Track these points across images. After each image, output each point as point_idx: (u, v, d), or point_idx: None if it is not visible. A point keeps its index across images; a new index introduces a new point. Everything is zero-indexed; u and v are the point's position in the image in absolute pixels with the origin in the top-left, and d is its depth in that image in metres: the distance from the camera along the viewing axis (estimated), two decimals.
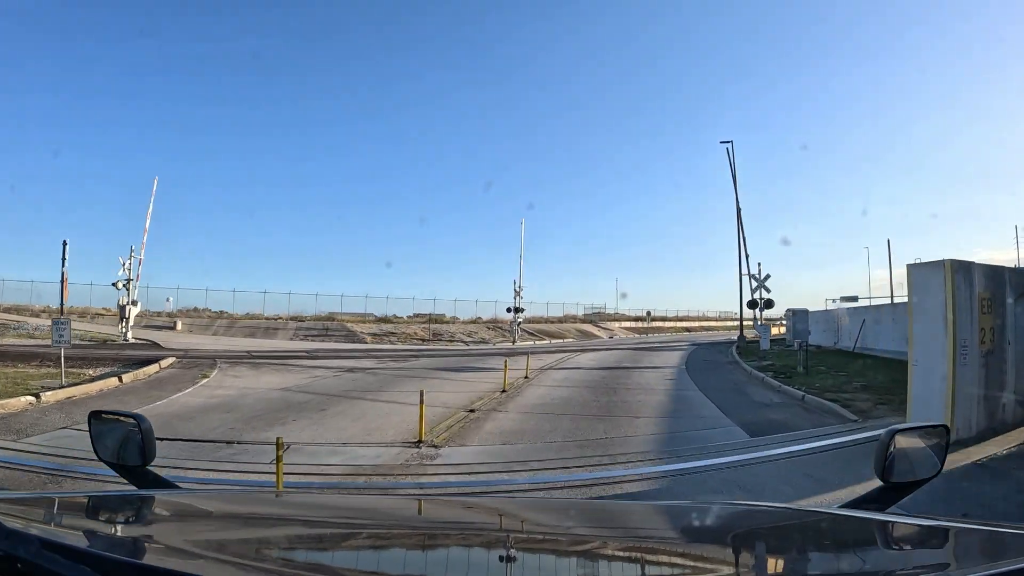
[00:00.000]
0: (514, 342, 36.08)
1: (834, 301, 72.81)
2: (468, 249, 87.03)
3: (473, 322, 45.96)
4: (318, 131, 77.93)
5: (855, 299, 74.62)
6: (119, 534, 1.24)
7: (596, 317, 56.73)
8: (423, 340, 36.94)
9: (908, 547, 1.22)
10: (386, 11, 78.03)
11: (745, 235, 21.88)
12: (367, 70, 77.22)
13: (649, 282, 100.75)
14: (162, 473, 1.80)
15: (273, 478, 5.06)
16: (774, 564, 1.17)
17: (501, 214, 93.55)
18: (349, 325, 41.40)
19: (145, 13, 65.37)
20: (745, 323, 30.26)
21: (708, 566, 1.17)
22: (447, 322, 45.32)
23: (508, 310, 37.21)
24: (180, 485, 1.85)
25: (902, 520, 1.33)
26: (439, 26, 78.66)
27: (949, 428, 1.62)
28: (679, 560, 1.20)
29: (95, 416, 1.72)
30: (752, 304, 22.05)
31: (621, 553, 1.24)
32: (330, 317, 45.70)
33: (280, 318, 44.17)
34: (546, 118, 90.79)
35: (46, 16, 58.57)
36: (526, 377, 14.62)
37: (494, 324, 44.24)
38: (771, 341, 29.18)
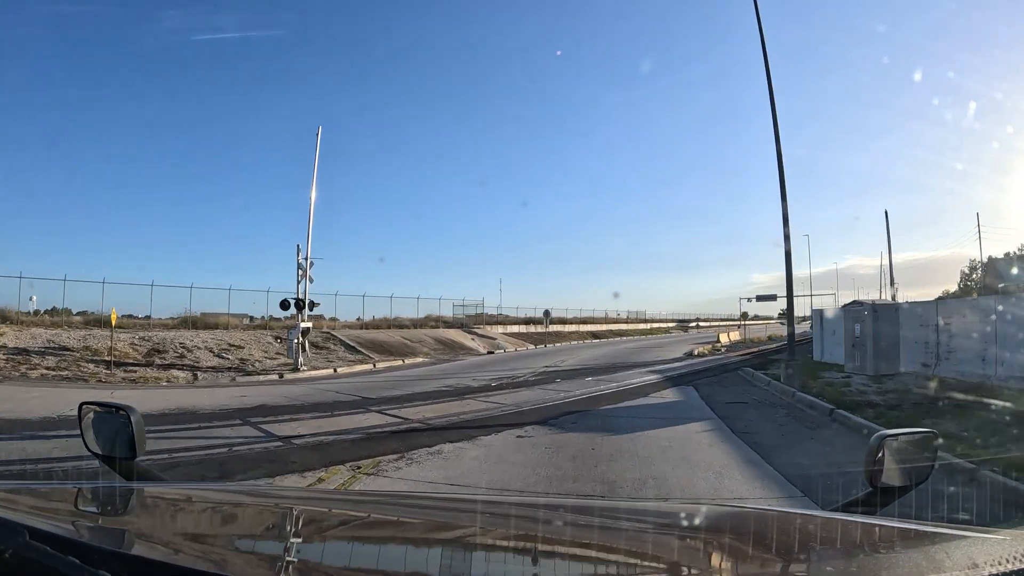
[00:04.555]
0: (297, 367, 18.35)
1: (750, 300, 63.75)
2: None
3: (259, 326, 27.16)
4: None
5: (773, 298, 65.93)
6: (107, 526, 1.24)
7: (471, 320, 39.65)
8: (110, 364, 18.02)
9: (896, 550, 1.18)
10: None
11: None
12: None
13: (545, 283, 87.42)
14: None
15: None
16: (762, 565, 1.13)
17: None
18: None
19: None
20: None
21: (695, 566, 1.15)
22: (214, 326, 26.28)
23: (284, 305, 19.20)
24: (169, 479, 1.93)
25: (890, 524, 1.30)
26: None
27: (937, 434, 1.57)
28: (665, 560, 1.17)
29: (85, 406, 1.70)
30: None
31: (606, 554, 1.19)
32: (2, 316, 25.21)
33: None
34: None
35: None
36: None
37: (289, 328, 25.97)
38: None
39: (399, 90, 73.38)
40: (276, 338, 24.46)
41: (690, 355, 25.85)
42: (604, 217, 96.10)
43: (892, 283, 30.02)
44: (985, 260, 41.77)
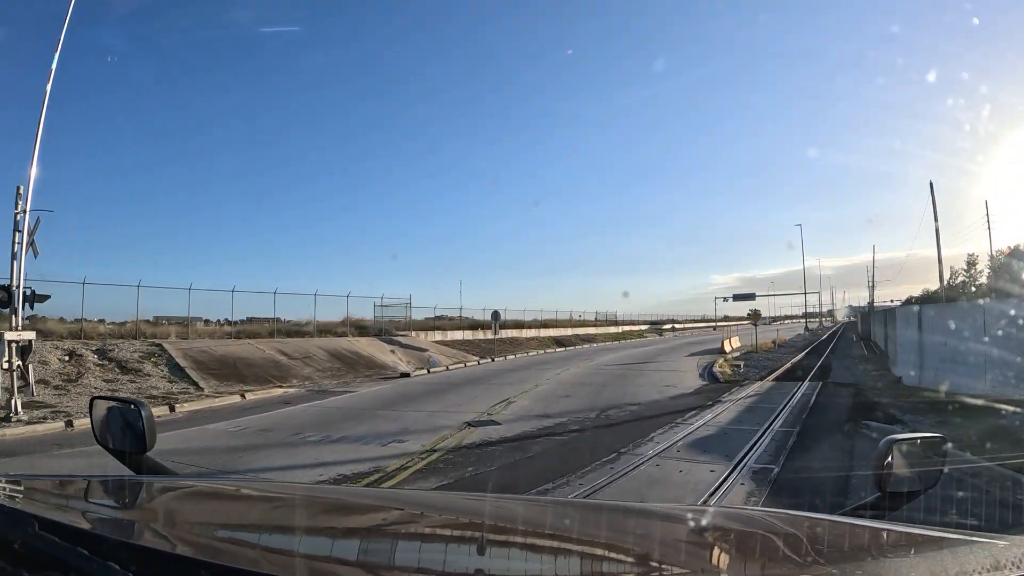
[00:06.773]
0: (10, 415, 10.38)
1: (726, 300, 57.23)
2: None
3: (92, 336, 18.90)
4: None
5: (752, 296, 59.67)
6: (116, 517, 1.25)
7: (397, 325, 31.41)
8: None
9: (903, 556, 1.15)
10: None
11: None
12: None
13: (504, 285, 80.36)
14: None
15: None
16: (769, 568, 1.09)
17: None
18: None
19: None
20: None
21: (701, 568, 1.11)
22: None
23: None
24: (179, 473, 1.91)
25: (898, 528, 1.26)
26: None
27: (946, 439, 1.55)
28: (671, 562, 1.11)
29: (97, 401, 1.72)
30: None
31: (613, 554, 1.15)
32: None
33: None
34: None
35: None
36: None
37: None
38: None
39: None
40: (68, 354, 16.33)
41: (711, 375, 17.76)
42: (568, 219, 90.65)
43: (941, 272, 23.46)
44: (993, 254, 36.13)
